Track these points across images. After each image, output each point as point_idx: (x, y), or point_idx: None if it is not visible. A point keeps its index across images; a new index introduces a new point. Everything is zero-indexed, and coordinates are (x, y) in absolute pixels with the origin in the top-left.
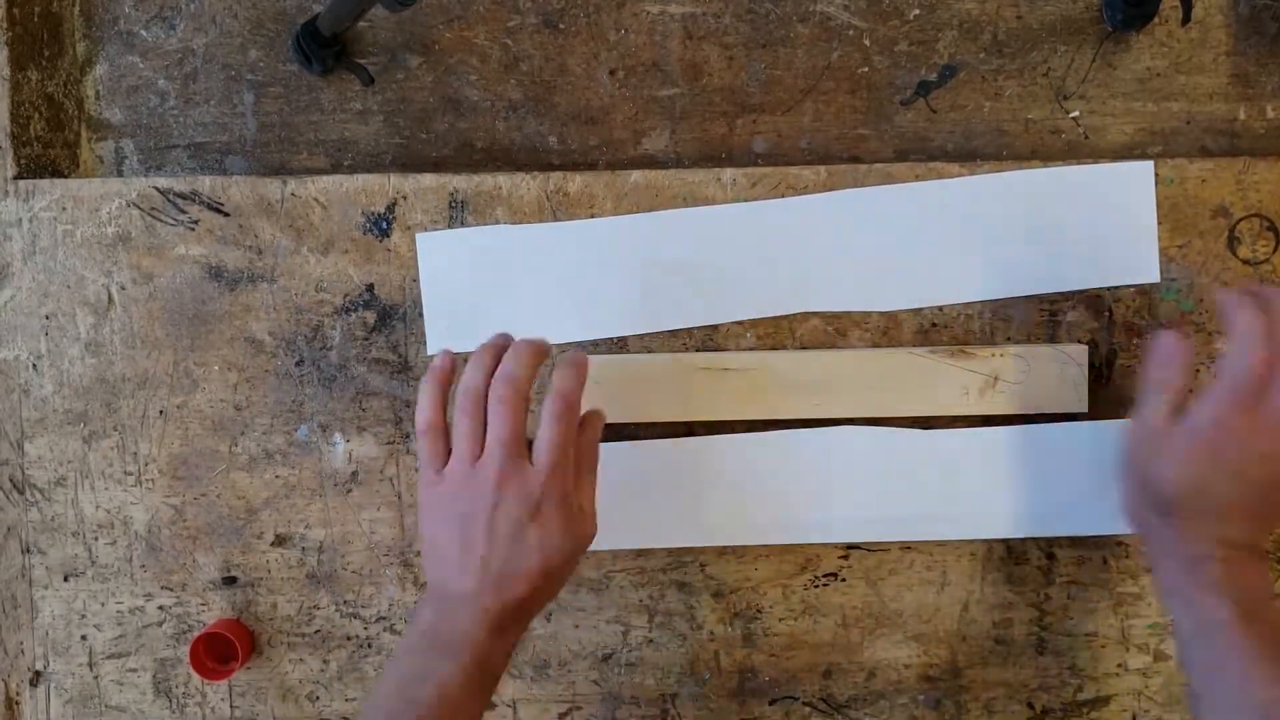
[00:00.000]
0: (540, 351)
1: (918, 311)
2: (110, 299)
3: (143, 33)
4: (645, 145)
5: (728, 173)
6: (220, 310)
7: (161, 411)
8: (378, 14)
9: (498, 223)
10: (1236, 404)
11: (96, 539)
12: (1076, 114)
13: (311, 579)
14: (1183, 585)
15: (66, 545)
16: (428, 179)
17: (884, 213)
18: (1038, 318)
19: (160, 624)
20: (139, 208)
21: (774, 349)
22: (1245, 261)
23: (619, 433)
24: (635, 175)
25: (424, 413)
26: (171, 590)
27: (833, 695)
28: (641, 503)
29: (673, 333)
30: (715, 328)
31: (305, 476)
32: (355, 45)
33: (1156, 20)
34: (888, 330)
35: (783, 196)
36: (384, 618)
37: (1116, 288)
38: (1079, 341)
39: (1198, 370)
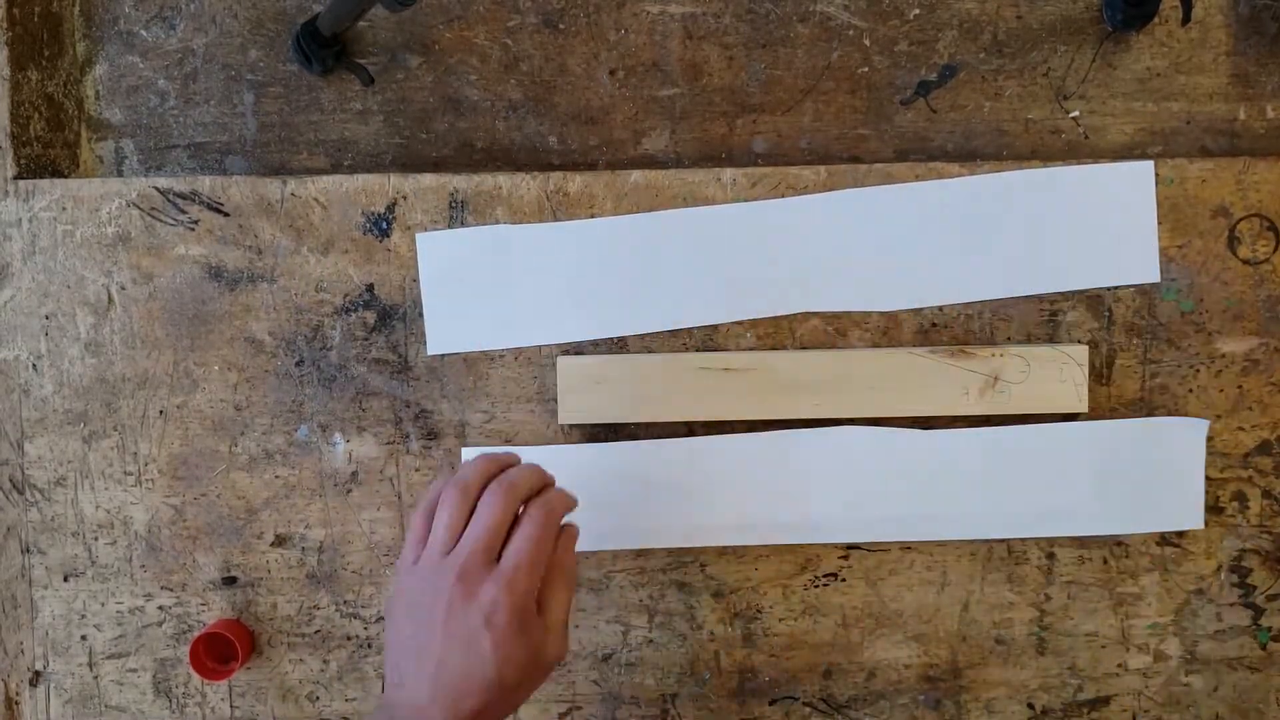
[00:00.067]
0: (544, 476)
1: (918, 311)
2: (110, 299)
3: (143, 33)
4: (645, 145)
5: (728, 173)
6: (220, 310)
7: (161, 411)
8: (378, 14)
9: (498, 223)
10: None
11: (96, 539)
12: (1076, 114)
13: (311, 579)
14: None
15: (66, 545)
16: (428, 179)
17: (884, 213)
18: (1038, 318)
19: (160, 624)
20: (139, 208)
21: (774, 349)
22: (1245, 261)
23: (619, 433)
24: (635, 175)
25: (426, 499)
26: (171, 590)
27: (833, 695)
28: (641, 503)
29: (673, 333)
30: (715, 328)
31: (305, 476)
32: (355, 45)
33: (1156, 20)
34: (888, 330)
35: (783, 196)
36: (384, 618)
37: (1116, 288)
38: (1079, 341)
39: (1197, 370)
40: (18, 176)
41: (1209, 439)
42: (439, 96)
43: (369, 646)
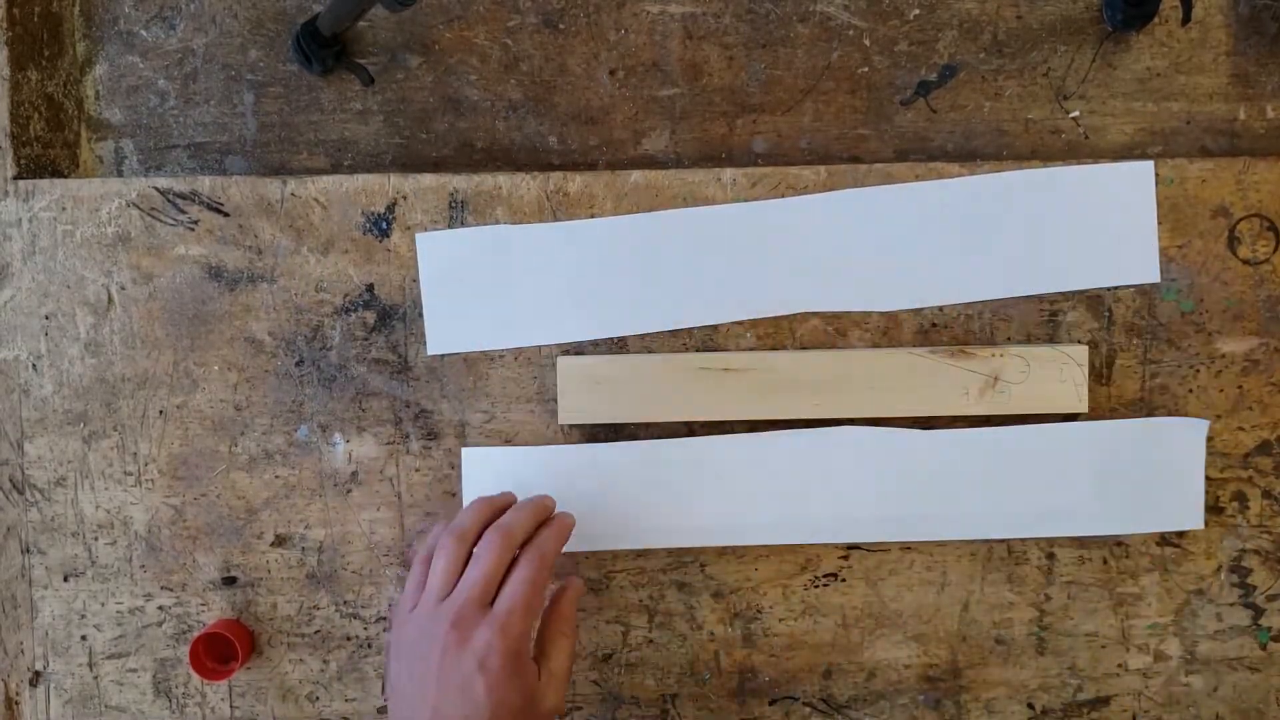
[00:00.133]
0: (541, 511)
1: (918, 311)
2: (110, 299)
3: (143, 33)
4: (645, 145)
5: (728, 173)
6: (220, 310)
7: (161, 411)
8: (378, 14)
9: (498, 223)
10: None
11: (96, 539)
12: (1076, 114)
13: (311, 579)
14: None
15: (66, 545)
16: (428, 179)
17: (884, 213)
18: (1038, 318)
19: (160, 624)
20: (139, 208)
21: (774, 349)
22: (1245, 261)
23: (619, 432)
24: (635, 175)
25: (424, 545)
26: (171, 590)
27: (833, 695)
28: (641, 503)
29: (673, 333)
30: (715, 328)
31: (305, 476)
32: (355, 45)
33: (1156, 20)
34: (888, 330)
35: (783, 196)
36: (384, 618)
37: (1116, 288)
38: (1079, 341)
39: (1197, 370)
40: (18, 176)
41: (1209, 439)
42: (439, 96)
43: (369, 647)
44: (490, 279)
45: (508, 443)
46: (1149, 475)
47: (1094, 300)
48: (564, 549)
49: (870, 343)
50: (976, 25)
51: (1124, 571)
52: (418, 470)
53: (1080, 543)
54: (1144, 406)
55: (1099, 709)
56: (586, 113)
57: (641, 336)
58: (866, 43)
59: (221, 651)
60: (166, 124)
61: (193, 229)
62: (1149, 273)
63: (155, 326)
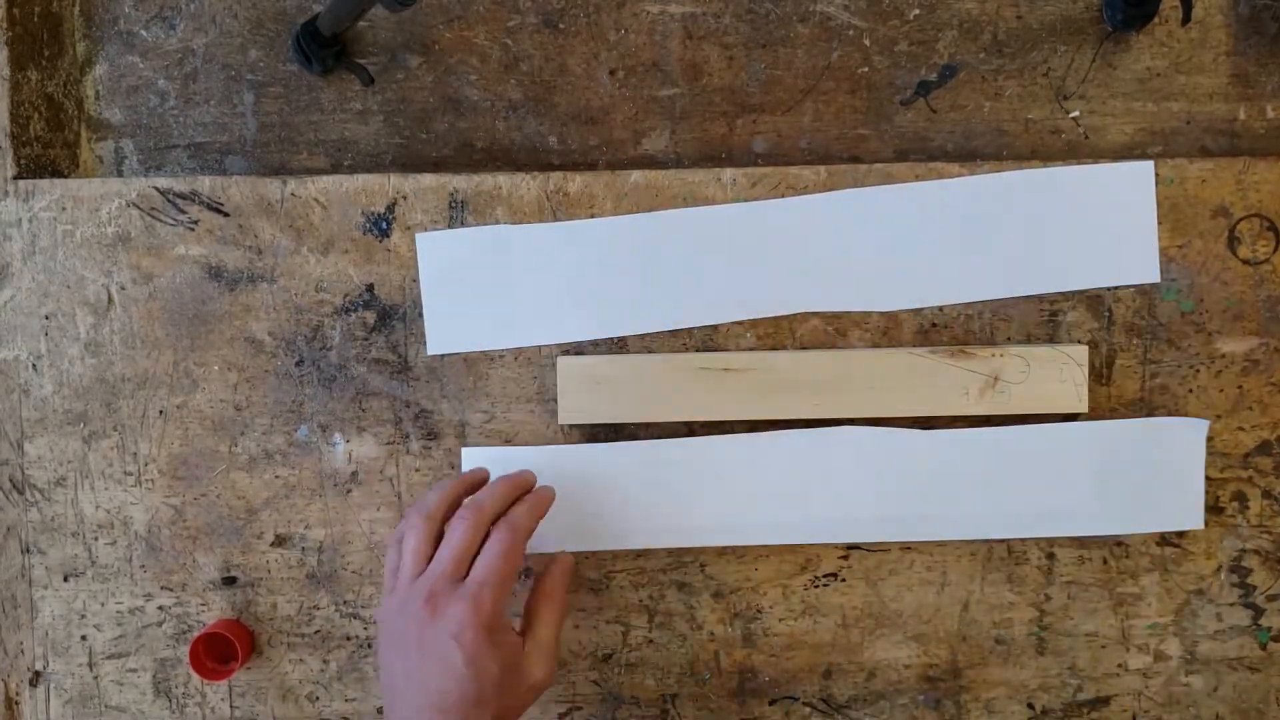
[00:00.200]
0: (516, 486)
1: (918, 311)
2: (110, 299)
3: (143, 33)
4: (645, 145)
5: (728, 173)
6: (220, 310)
7: (161, 411)
8: (378, 14)
9: (498, 223)
10: None
11: (96, 539)
12: (1076, 114)
13: (311, 579)
14: None
15: (66, 545)
16: (428, 179)
17: (884, 213)
18: (1038, 318)
19: (160, 624)
20: (139, 208)
21: (774, 349)
22: (1245, 261)
23: (619, 432)
24: (635, 175)
25: (395, 532)
26: (171, 590)
27: (833, 695)
28: (641, 503)
29: (673, 333)
30: (715, 328)
31: (305, 476)
32: (355, 45)
33: (1156, 20)
34: (888, 330)
35: (783, 196)
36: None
37: (1116, 288)
38: (1079, 341)
39: (1197, 370)
40: (18, 176)
41: (1209, 439)
42: (439, 96)
43: (369, 646)
44: (490, 279)
45: (508, 443)
46: (1149, 475)
47: (1094, 300)
48: (563, 550)
49: (870, 343)
50: (976, 25)
51: (1124, 571)
52: (418, 470)
53: (1080, 543)
54: (1144, 406)
55: (1099, 709)
56: (586, 113)
57: (641, 336)
58: (866, 43)
59: (221, 651)
60: (166, 124)
61: (193, 229)
62: (1149, 273)
63: (155, 326)
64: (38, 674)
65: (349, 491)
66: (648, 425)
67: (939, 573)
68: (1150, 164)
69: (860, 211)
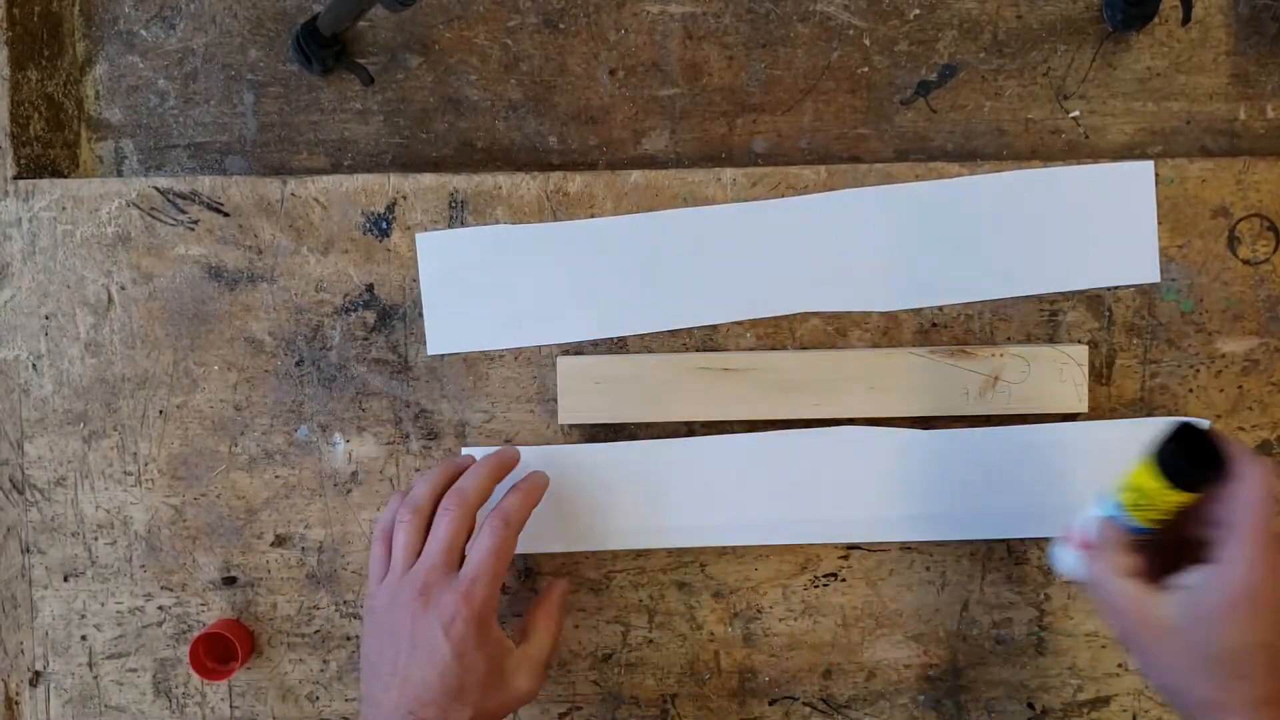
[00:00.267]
0: (499, 466)
1: (918, 311)
2: (110, 299)
3: (143, 32)
4: (645, 145)
5: (728, 173)
6: (220, 310)
7: (161, 411)
8: (378, 14)
9: (498, 223)
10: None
11: (96, 539)
12: (1076, 114)
13: (311, 579)
14: None
15: (66, 545)
16: (428, 179)
17: (884, 213)
18: (1038, 318)
19: (160, 624)
20: (139, 208)
21: (774, 349)
22: (1245, 261)
23: (619, 433)
24: (635, 175)
25: (380, 522)
26: (171, 590)
27: (833, 695)
28: (642, 503)
29: (673, 333)
30: (715, 328)
31: (305, 476)
32: (355, 45)
33: (1156, 20)
34: (888, 330)
35: (783, 196)
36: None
37: (1116, 288)
38: (1079, 341)
39: (1197, 370)
40: (18, 176)
41: None
42: (439, 96)
43: None
44: (490, 279)
45: (508, 443)
46: None
47: (1094, 300)
48: (565, 549)
49: (870, 343)
50: (976, 25)
51: None
52: (418, 470)
53: None
54: (1144, 406)
55: (1099, 709)
56: (586, 113)
57: (641, 336)
58: (866, 43)
59: (221, 651)
60: (166, 124)
61: (193, 229)
62: (1149, 272)
63: (155, 326)
64: (38, 674)
65: (349, 491)
66: (648, 425)
67: (939, 573)
68: (1150, 164)
69: (860, 211)
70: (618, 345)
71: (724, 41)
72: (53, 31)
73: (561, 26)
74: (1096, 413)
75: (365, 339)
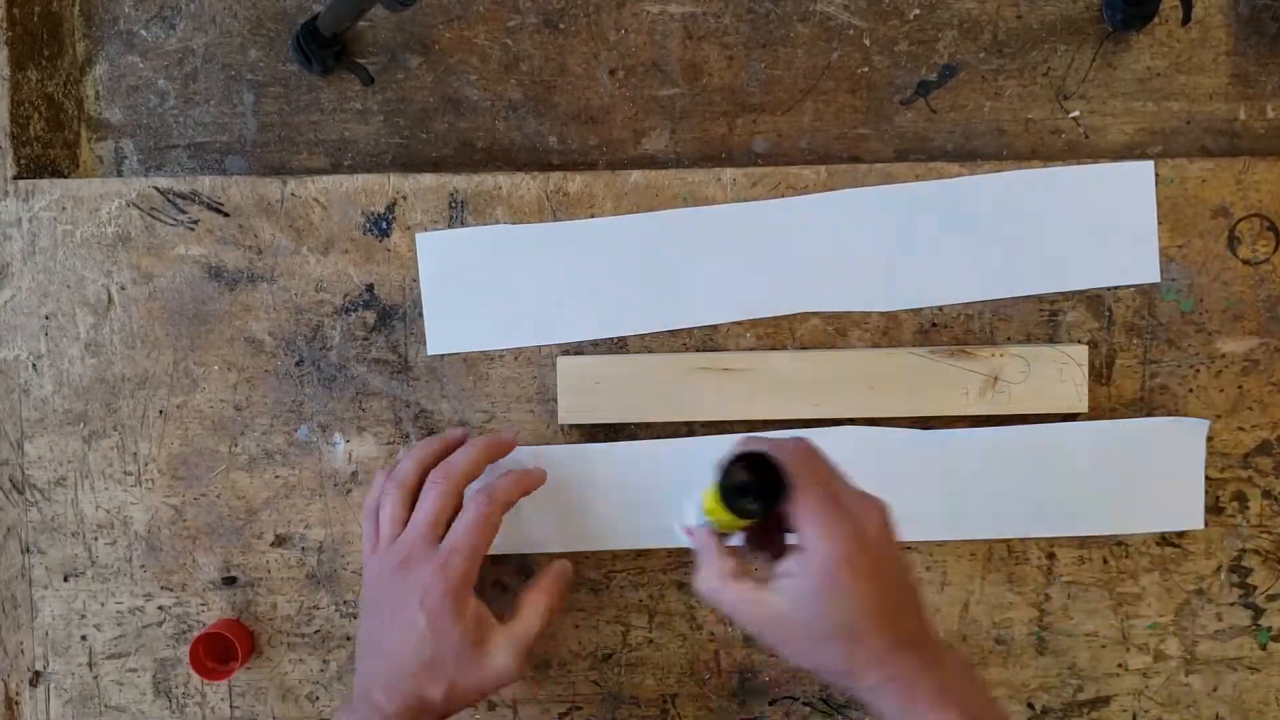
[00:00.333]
0: (491, 448)
1: (918, 311)
2: (110, 299)
3: (143, 33)
4: (645, 145)
5: (728, 173)
6: (220, 310)
7: (161, 411)
8: (378, 14)
9: (498, 223)
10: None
11: (96, 539)
12: (1076, 114)
13: (311, 579)
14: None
15: (66, 545)
16: (428, 179)
17: (884, 213)
18: (1038, 318)
19: (160, 624)
20: (139, 208)
21: (774, 349)
22: (1245, 261)
23: (619, 433)
24: (635, 175)
25: (368, 499)
26: (171, 590)
27: (832, 695)
28: (642, 503)
29: (673, 333)
30: (715, 328)
31: (305, 476)
32: (355, 45)
33: (1156, 20)
34: (888, 330)
35: (783, 196)
36: None
37: (1116, 288)
38: (1079, 341)
39: (1197, 370)
40: (18, 176)
41: (1209, 439)
42: (439, 96)
43: None
44: (490, 279)
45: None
46: (1149, 475)
47: (1094, 300)
48: (565, 549)
49: (870, 343)
50: (976, 25)
51: (1124, 571)
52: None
53: (1080, 543)
54: (1144, 406)
55: (1099, 709)
56: (586, 113)
57: (641, 336)
58: (866, 43)
59: (221, 651)
60: (166, 124)
61: (193, 229)
62: (1149, 272)
63: (155, 326)
64: (38, 674)
65: (349, 491)
66: (648, 425)
67: (939, 573)
68: (1150, 164)
69: (860, 211)
70: (618, 345)
71: (724, 41)
72: (53, 31)
73: (561, 26)
74: (1096, 413)
75: (365, 339)
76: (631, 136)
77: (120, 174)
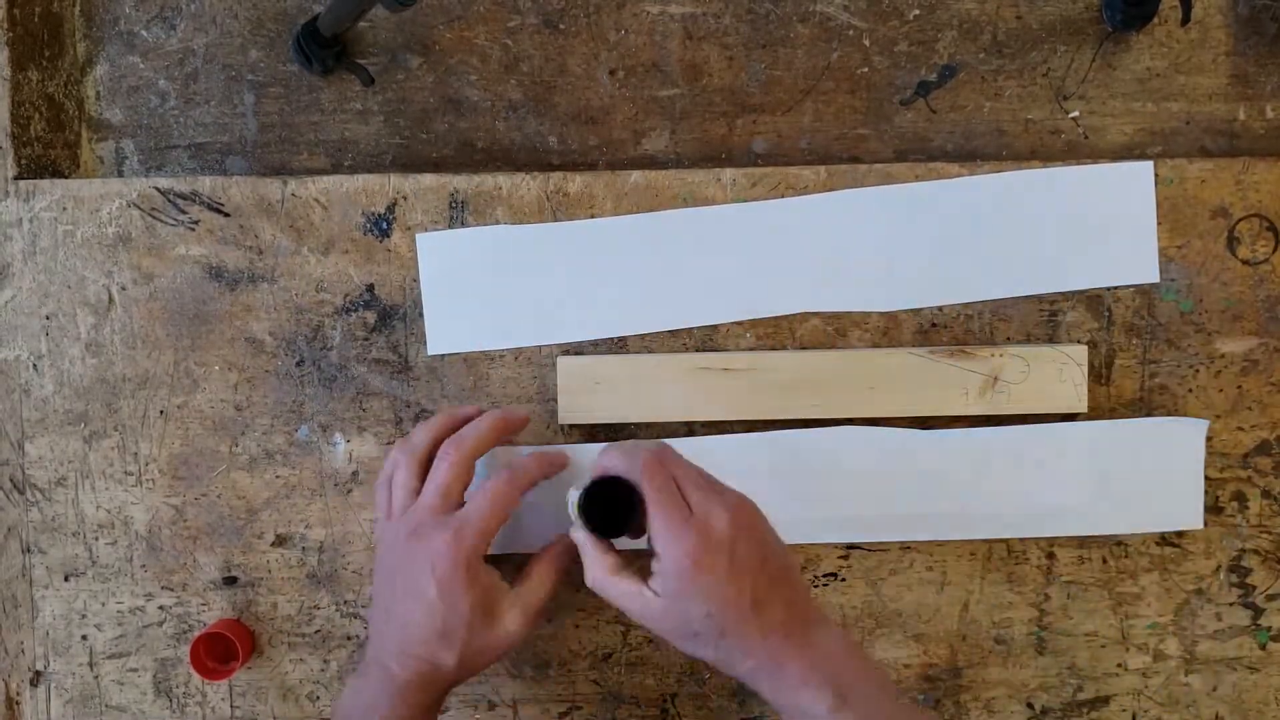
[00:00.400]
0: (506, 424)
1: (918, 311)
2: (111, 299)
3: (143, 33)
4: (645, 145)
5: (728, 173)
6: (220, 310)
7: (162, 411)
8: (378, 14)
9: (498, 223)
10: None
11: (97, 539)
12: (1076, 114)
13: (312, 579)
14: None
15: (67, 545)
16: (428, 179)
17: (884, 213)
18: (1038, 318)
19: (160, 624)
20: (139, 208)
21: (774, 349)
22: (1245, 262)
23: (619, 433)
24: (635, 175)
25: (383, 470)
26: (172, 590)
27: None
28: None
29: (673, 333)
30: (715, 328)
31: (305, 476)
32: (355, 45)
33: (1156, 20)
34: (888, 330)
35: (783, 196)
36: None
37: (1116, 288)
38: (1079, 341)
39: (1197, 370)
40: (18, 177)
41: (1208, 439)
42: (439, 96)
43: None
44: (490, 279)
45: (508, 443)
46: (1149, 475)
47: (1094, 300)
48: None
49: (870, 343)
50: (976, 25)
51: (1124, 571)
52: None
53: (1080, 543)
54: (1143, 406)
55: (1099, 709)
56: (586, 113)
57: (641, 336)
58: (866, 43)
59: (222, 651)
60: (167, 124)
61: (193, 229)
62: (1148, 273)
63: (156, 326)
64: (38, 674)
65: (349, 491)
66: (648, 425)
67: (939, 573)
68: (1150, 164)
69: (860, 211)
70: (618, 345)
71: (724, 42)
72: (53, 32)
73: (561, 27)
74: (1096, 413)
75: (365, 339)
76: (631, 137)
77: (121, 174)
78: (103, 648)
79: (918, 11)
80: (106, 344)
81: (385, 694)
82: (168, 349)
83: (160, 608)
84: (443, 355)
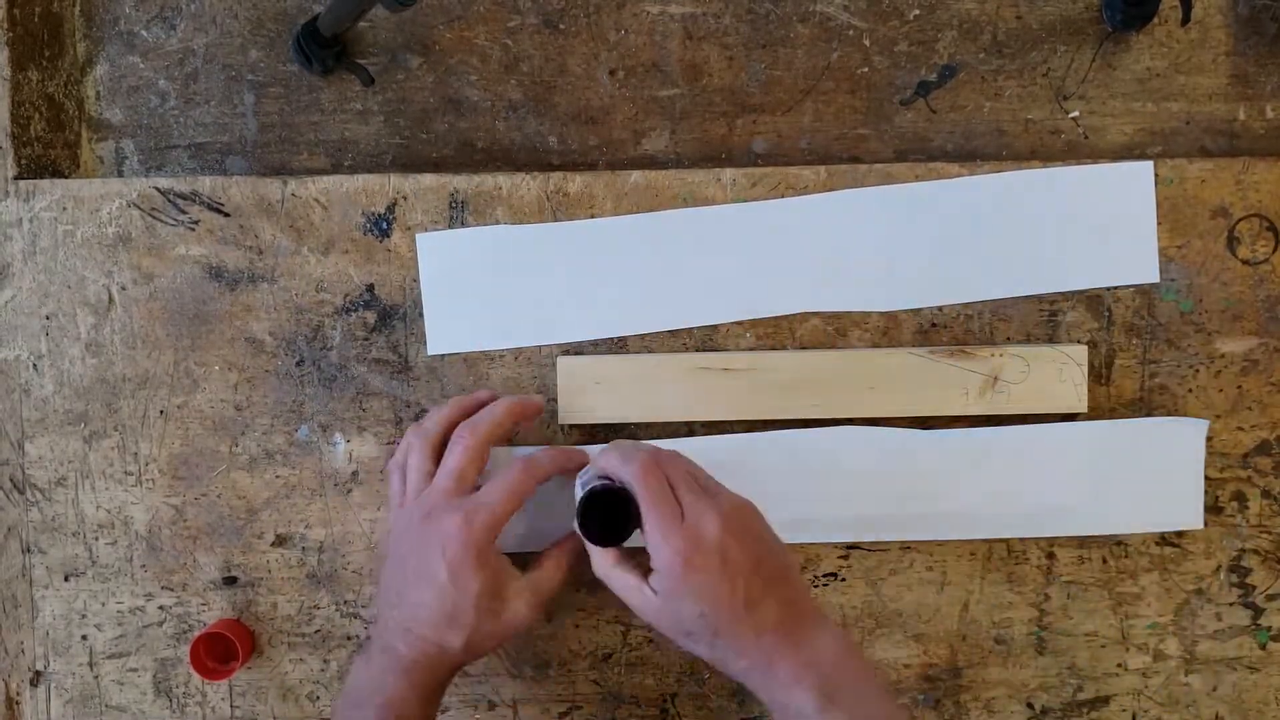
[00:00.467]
0: (522, 410)
1: (918, 311)
2: (111, 299)
3: (143, 33)
4: (645, 145)
5: (728, 173)
6: (220, 310)
7: (162, 411)
8: (378, 14)
9: (498, 223)
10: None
11: (97, 539)
12: (1076, 114)
13: (312, 579)
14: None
15: (67, 545)
16: (428, 179)
17: (884, 213)
18: (1038, 318)
19: (160, 624)
20: (139, 208)
21: (774, 349)
22: (1245, 262)
23: (619, 433)
24: (635, 175)
25: (395, 455)
26: (172, 590)
27: None
28: None
29: (673, 333)
30: (715, 328)
31: (305, 476)
32: (355, 45)
33: (1156, 20)
34: (888, 330)
35: (783, 196)
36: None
37: (1116, 288)
38: (1079, 341)
39: (1197, 370)
40: (18, 177)
41: (1208, 439)
42: (439, 96)
43: None
44: (490, 279)
45: (508, 442)
46: (1149, 475)
47: (1094, 300)
48: None
49: (870, 343)
50: (976, 25)
51: (1124, 571)
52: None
53: (1080, 543)
54: (1143, 406)
55: (1098, 709)
56: (586, 113)
57: (641, 336)
58: (866, 43)
59: (222, 651)
60: (167, 124)
61: (193, 229)
62: (1148, 273)
63: (156, 326)
64: (38, 674)
65: (349, 491)
66: (648, 425)
67: (939, 573)
68: (1150, 164)
69: (860, 211)
70: (618, 345)
71: (724, 42)
72: (53, 32)
73: (561, 27)
74: (1096, 413)
75: (365, 339)
76: (631, 137)
77: (121, 174)
78: (103, 648)
79: (918, 11)
80: (106, 344)
81: (391, 674)
82: (168, 349)
83: (160, 608)
84: (443, 355)
